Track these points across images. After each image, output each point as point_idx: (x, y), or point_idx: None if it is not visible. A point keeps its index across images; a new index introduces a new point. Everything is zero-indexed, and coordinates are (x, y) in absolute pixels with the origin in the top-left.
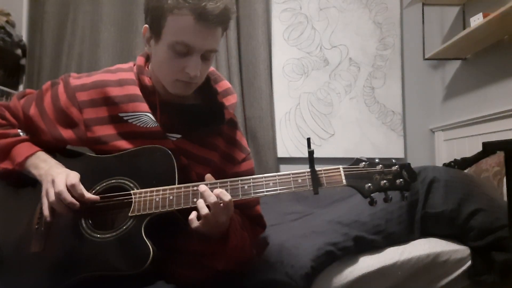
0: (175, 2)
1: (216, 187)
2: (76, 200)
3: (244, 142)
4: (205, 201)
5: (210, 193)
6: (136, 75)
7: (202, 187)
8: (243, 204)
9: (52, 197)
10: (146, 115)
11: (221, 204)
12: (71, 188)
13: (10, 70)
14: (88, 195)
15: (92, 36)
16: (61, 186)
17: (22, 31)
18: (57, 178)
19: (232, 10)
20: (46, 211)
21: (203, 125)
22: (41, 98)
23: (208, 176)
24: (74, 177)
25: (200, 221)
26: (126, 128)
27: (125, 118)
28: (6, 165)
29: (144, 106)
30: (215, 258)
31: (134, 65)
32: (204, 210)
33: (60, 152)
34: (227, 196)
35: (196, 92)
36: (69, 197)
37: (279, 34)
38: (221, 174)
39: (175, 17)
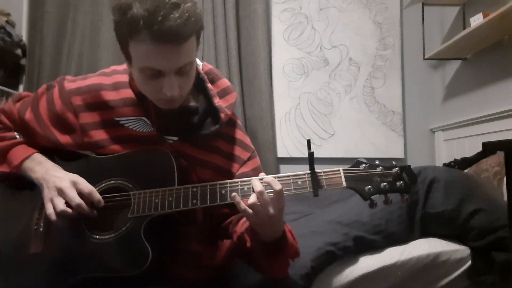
0: (131, 28)
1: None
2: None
3: (247, 140)
4: (253, 189)
5: (257, 183)
6: (130, 78)
7: (269, 180)
8: None
9: (60, 207)
10: (141, 119)
11: (271, 195)
12: (89, 196)
13: (10, 70)
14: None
15: (92, 36)
16: (77, 199)
17: (22, 31)
18: (66, 188)
19: (195, 18)
20: (53, 217)
21: (200, 127)
22: (36, 102)
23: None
24: (86, 183)
25: (250, 211)
26: (122, 132)
27: (121, 122)
28: (3, 168)
29: (139, 110)
30: (276, 266)
31: None
32: (251, 199)
33: (59, 153)
34: (278, 185)
35: (192, 94)
36: (87, 209)
37: (279, 34)
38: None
39: (135, 44)
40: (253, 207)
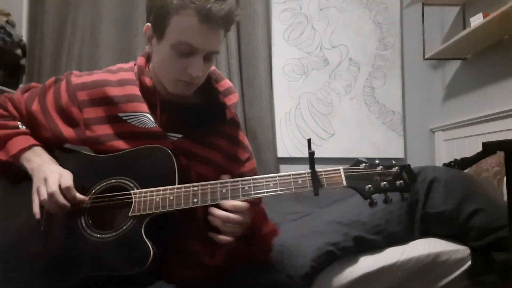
0: (181, 2)
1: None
2: (68, 201)
3: (246, 141)
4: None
5: (230, 217)
6: (136, 75)
7: (221, 214)
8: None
9: (44, 195)
10: (145, 115)
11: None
12: (65, 191)
13: (10, 70)
14: (79, 196)
15: (92, 36)
16: (54, 187)
17: (22, 31)
18: (50, 177)
19: (236, 13)
20: (35, 208)
21: (204, 124)
22: (43, 94)
23: (224, 176)
24: (68, 179)
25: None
26: (125, 128)
27: (124, 118)
28: (1, 156)
29: (143, 106)
30: (253, 250)
31: (135, 64)
32: (227, 240)
33: (60, 151)
34: (243, 206)
35: (197, 92)
36: (61, 199)
37: (279, 34)
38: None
39: (180, 17)
40: (227, 234)
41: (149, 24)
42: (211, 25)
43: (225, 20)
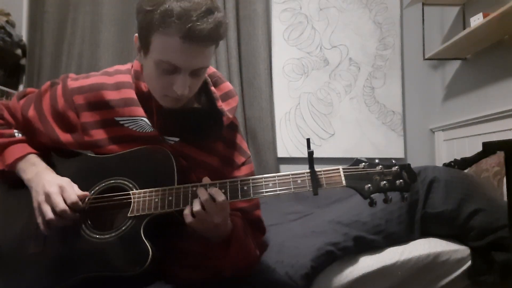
0: (162, 20)
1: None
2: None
3: (244, 145)
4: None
5: (203, 191)
6: (133, 78)
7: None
8: (243, 208)
9: (50, 215)
10: (142, 119)
11: (215, 203)
12: (72, 206)
13: (10, 70)
14: (81, 193)
15: (92, 36)
16: (61, 205)
17: (22, 31)
18: (52, 194)
19: (223, 27)
20: (42, 226)
21: (202, 129)
22: (40, 100)
23: (206, 178)
24: (71, 193)
25: (194, 218)
26: (122, 132)
27: (121, 122)
28: None
29: (140, 110)
30: (217, 262)
31: (132, 66)
32: (197, 206)
33: (59, 152)
34: (221, 196)
35: (194, 97)
36: (71, 216)
37: (279, 34)
38: (221, 177)
39: (161, 36)
40: (199, 214)
41: (137, 35)
42: (194, 45)
43: (210, 37)
